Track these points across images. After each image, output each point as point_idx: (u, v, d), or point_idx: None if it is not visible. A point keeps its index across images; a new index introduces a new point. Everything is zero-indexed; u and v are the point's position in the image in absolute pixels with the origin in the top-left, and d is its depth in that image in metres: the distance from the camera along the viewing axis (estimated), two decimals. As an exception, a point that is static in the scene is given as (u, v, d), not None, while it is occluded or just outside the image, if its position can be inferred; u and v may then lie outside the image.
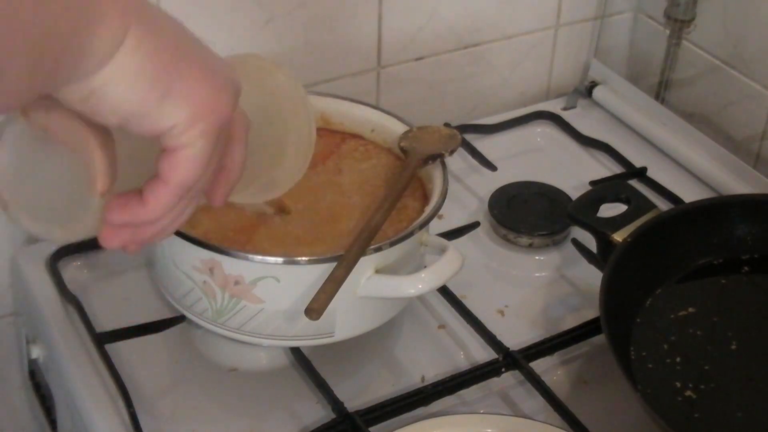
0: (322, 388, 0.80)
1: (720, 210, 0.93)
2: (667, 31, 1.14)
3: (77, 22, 0.50)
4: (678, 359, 0.83)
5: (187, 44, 0.56)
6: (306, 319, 0.71)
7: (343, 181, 0.86)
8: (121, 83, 0.53)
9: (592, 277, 0.89)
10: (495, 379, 0.83)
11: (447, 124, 1.03)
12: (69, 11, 0.49)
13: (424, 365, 0.85)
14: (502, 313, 0.91)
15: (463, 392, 0.81)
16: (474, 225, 0.98)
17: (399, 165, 0.87)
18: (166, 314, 0.86)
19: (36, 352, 0.92)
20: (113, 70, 0.52)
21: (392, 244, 0.77)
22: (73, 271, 0.92)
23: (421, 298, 0.90)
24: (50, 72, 0.50)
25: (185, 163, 0.57)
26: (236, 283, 0.76)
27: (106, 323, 0.86)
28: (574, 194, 0.98)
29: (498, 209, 0.99)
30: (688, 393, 0.80)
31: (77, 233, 0.59)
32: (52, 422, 0.94)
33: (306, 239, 0.79)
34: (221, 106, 0.57)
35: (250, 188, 0.73)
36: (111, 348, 0.83)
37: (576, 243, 0.95)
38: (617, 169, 1.08)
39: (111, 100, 0.53)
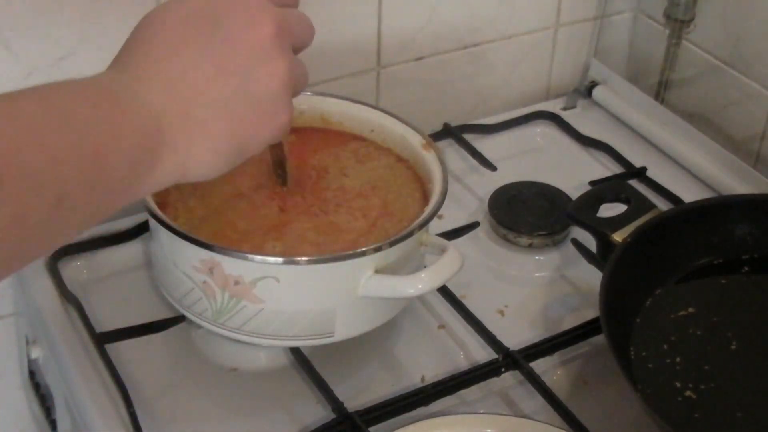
0: (322, 388, 0.80)
1: (720, 210, 0.92)
2: (667, 31, 1.14)
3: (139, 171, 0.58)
4: (678, 359, 0.82)
5: (236, 104, 0.62)
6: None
7: (346, 184, 0.86)
8: (199, 169, 0.62)
9: (592, 277, 0.89)
10: (495, 379, 0.83)
11: (447, 124, 1.03)
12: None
13: (424, 365, 0.85)
14: (502, 313, 0.91)
15: (463, 392, 0.81)
16: (474, 225, 0.98)
17: (399, 165, 0.88)
18: (166, 314, 0.86)
19: (36, 352, 0.92)
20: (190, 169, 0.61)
21: (392, 244, 0.77)
22: (73, 271, 0.92)
23: (421, 298, 0.90)
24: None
25: None
26: (236, 283, 0.76)
27: (106, 323, 0.86)
28: (574, 194, 0.98)
29: (498, 209, 0.99)
30: (688, 393, 0.80)
31: None
32: (52, 422, 0.94)
33: (307, 240, 0.79)
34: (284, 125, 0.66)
35: None
36: (111, 348, 0.83)
37: (576, 243, 0.95)
38: (617, 169, 1.08)
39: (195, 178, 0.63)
